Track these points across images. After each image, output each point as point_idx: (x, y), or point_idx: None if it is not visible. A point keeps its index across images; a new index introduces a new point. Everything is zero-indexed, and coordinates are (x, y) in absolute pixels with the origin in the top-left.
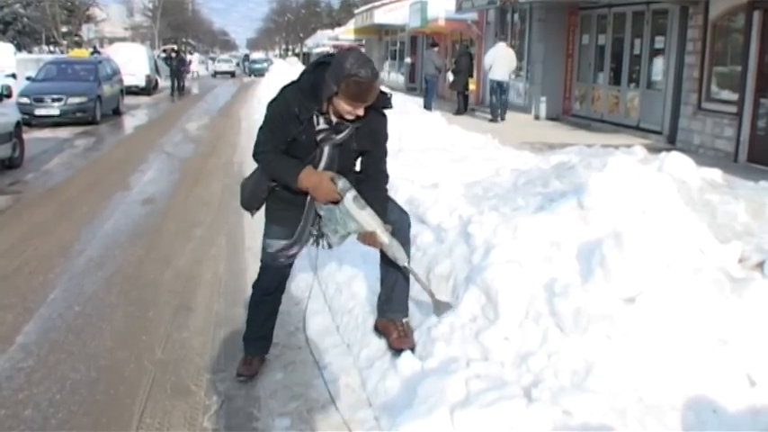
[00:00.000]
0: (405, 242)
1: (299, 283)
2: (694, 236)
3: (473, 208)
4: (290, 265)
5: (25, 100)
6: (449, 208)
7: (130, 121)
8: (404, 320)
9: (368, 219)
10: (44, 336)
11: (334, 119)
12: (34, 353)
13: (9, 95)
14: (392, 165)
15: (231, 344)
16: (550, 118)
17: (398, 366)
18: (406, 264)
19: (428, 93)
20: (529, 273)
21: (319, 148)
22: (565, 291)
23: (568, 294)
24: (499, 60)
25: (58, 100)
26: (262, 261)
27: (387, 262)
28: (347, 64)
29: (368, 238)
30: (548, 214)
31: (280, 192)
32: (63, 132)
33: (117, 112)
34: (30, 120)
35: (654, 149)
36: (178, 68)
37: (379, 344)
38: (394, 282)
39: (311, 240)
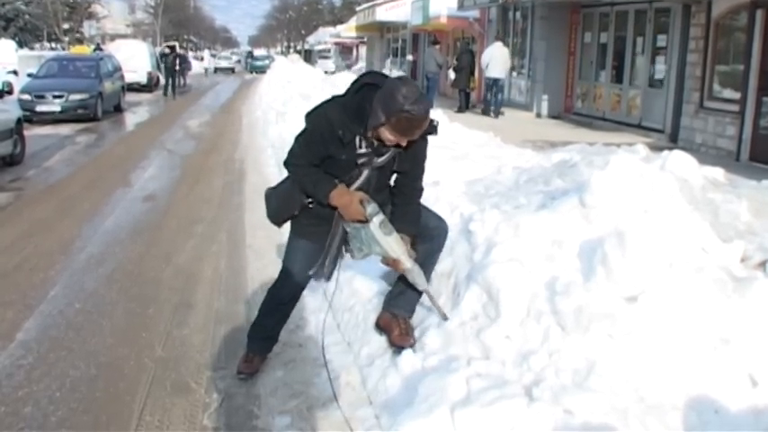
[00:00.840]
0: (438, 249)
1: None
2: (697, 235)
3: (474, 206)
4: (308, 280)
5: (26, 97)
6: (450, 206)
7: (132, 118)
8: (406, 319)
9: (393, 245)
10: (44, 333)
11: (376, 142)
12: (34, 350)
13: (10, 92)
14: None
15: (231, 341)
16: (552, 116)
17: (399, 364)
18: (424, 289)
19: (429, 90)
20: (530, 271)
21: (358, 169)
22: (566, 289)
23: (570, 293)
24: (495, 59)
25: (60, 97)
26: (282, 272)
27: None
28: (400, 97)
29: (392, 262)
30: (549, 212)
31: (314, 208)
32: (64, 129)
33: (118, 109)
34: (31, 116)
35: (656, 148)
36: (174, 66)
37: (380, 342)
38: (409, 283)
39: (338, 254)
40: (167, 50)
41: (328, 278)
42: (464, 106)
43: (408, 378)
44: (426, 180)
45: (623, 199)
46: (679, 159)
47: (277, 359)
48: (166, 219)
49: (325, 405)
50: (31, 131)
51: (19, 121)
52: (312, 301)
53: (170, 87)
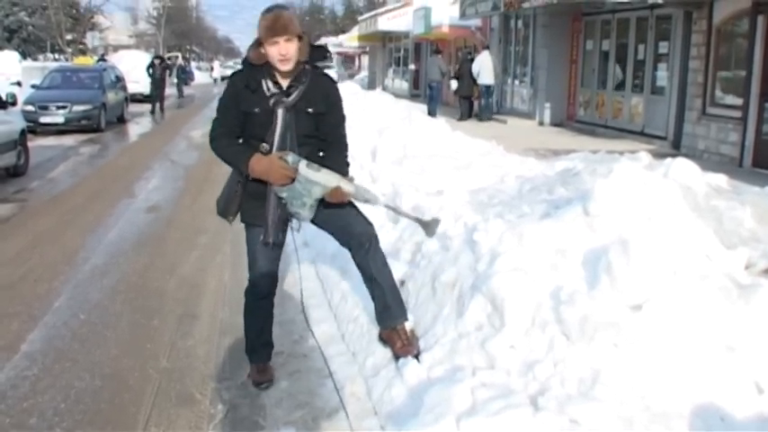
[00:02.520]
0: (374, 255)
1: (304, 291)
2: (701, 242)
3: (478, 215)
4: (277, 265)
5: (30, 108)
6: (454, 215)
7: (135, 129)
8: (408, 328)
9: (327, 177)
10: (49, 344)
11: (282, 83)
12: (39, 361)
13: (14, 103)
14: (397, 172)
15: (236, 352)
16: (555, 124)
17: (404, 375)
18: (379, 202)
19: (432, 99)
20: (535, 280)
21: (274, 113)
22: (571, 298)
23: (575, 302)
24: (485, 67)
25: (63, 108)
26: (249, 267)
27: (369, 277)
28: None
29: (335, 194)
30: (553, 221)
31: (250, 188)
32: (68, 140)
33: (121, 120)
34: (34, 127)
35: (658, 155)
36: (162, 79)
37: (385, 352)
38: (383, 291)
39: (281, 225)
40: (156, 61)
41: (276, 241)
42: (466, 114)
43: (413, 388)
44: (430, 189)
45: (627, 207)
46: (682, 167)
47: (282, 370)
48: (170, 230)
49: (330, 416)
50: (34, 142)
51: (23, 133)
52: (316, 311)
53: (156, 105)
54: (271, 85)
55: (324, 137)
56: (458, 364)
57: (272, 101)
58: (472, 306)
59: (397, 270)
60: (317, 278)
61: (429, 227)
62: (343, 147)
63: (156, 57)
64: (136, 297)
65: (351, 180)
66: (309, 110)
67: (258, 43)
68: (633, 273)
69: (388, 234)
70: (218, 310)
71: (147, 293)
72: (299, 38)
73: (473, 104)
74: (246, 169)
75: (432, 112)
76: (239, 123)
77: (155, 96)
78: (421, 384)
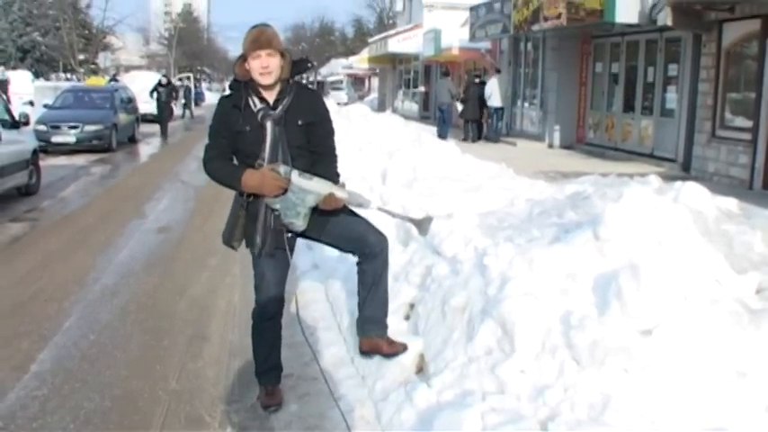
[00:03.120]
0: (384, 266)
1: (313, 313)
2: (711, 267)
3: (488, 239)
4: (283, 287)
5: (42, 127)
6: (464, 239)
7: (146, 149)
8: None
9: (320, 185)
10: (59, 364)
11: (268, 99)
12: (49, 381)
13: (27, 123)
14: (407, 195)
15: (245, 374)
16: (564, 146)
17: (414, 399)
18: (371, 206)
19: (444, 122)
20: (545, 305)
21: (263, 127)
22: (581, 323)
23: (585, 327)
24: (495, 91)
25: (75, 127)
26: (255, 289)
27: (369, 283)
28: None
29: (329, 201)
30: (563, 246)
31: (252, 211)
32: (79, 159)
33: (132, 140)
34: (46, 147)
35: (668, 178)
36: (169, 102)
37: (395, 375)
38: (379, 299)
39: (275, 237)
40: (163, 80)
41: (270, 252)
42: (475, 136)
43: (423, 412)
44: (440, 212)
45: (637, 232)
46: (692, 191)
47: (291, 392)
48: (180, 250)
49: None
50: (46, 162)
51: (35, 152)
52: (326, 334)
53: (163, 128)
54: (257, 101)
55: (314, 148)
56: (468, 388)
57: (259, 115)
58: (482, 330)
59: (407, 294)
60: (327, 300)
61: (422, 225)
62: (333, 157)
63: (161, 81)
64: (146, 318)
65: (342, 186)
66: (299, 122)
67: (243, 58)
68: (643, 298)
69: (399, 257)
70: (228, 331)
71: (157, 314)
72: (282, 55)
73: (482, 127)
74: (240, 186)
75: (442, 135)
76: (230, 144)
77: (163, 119)
78: (430, 409)
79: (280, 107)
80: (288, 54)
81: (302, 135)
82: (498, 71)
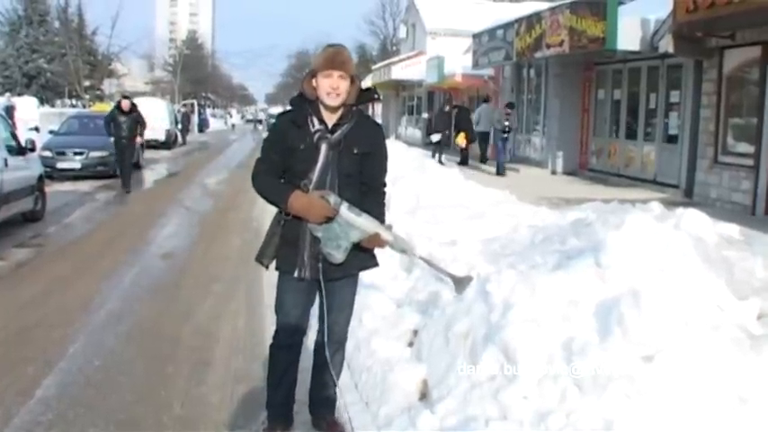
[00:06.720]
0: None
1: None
2: (712, 293)
3: (491, 266)
4: (307, 314)
5: (48, 153)
6: (467, 266)
7: (150, 175)
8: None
9: (367, 222)
10: (63, 390)
11: (328, 121)
12: (53, 407)
13: (33, 149)
14: (410, 222)
15: (250, 401)
16: (567, 172)
17: (417, 425)
18: (415, 254)
19: (498, 152)
20: (547, 331)
21: (317, 149)
22: (583, 350)
23: (587, 353)
24: (484, 116)
25: (80, 154)
26: (276, 312)
27: (322, 363)
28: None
29: (373, 241)
30: (565, 272)
31: (286, 233)
32: (84, 186)
33: (137, 166)
34: (52, 173)
35: (671, 203)
36: (132, 137)
37: (398, 402)
38: (332, 383)
39: (314, 262)
40: (125, 105)
41: (313, 277)
42: (463, 160)
43: None
44: (443, 239)
45: (639, 258)
46: (693, 218)
47: (296, 418)
48: (185, 277)
49: None
50: (51, 188)
51: (40, 178)
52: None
53: (124, 174)
54: (316, 121)
55: (364, 180)
56: (471, 414)
57: (316, 136)
58: (485, 356)
59: (411, 320)
60: None
61: (460, 283)
62: (382, 195)
63: (121, 106)
64: (150, 344)
65: (389, 228)
66: (355, 150)
67: (311, 74)
68: (645, 324)
69: (401, 284)
70: (232, 357)
71: (162, 340)
72: (352, 81)
73: (467, 152)
74: (285, 206)
75: (500, 172)
76: (282, 161)
77: (123, 161)
78: None
79: (338, 131)
80: (358, 80)
81: (355, 164)
82: (486, 100)
